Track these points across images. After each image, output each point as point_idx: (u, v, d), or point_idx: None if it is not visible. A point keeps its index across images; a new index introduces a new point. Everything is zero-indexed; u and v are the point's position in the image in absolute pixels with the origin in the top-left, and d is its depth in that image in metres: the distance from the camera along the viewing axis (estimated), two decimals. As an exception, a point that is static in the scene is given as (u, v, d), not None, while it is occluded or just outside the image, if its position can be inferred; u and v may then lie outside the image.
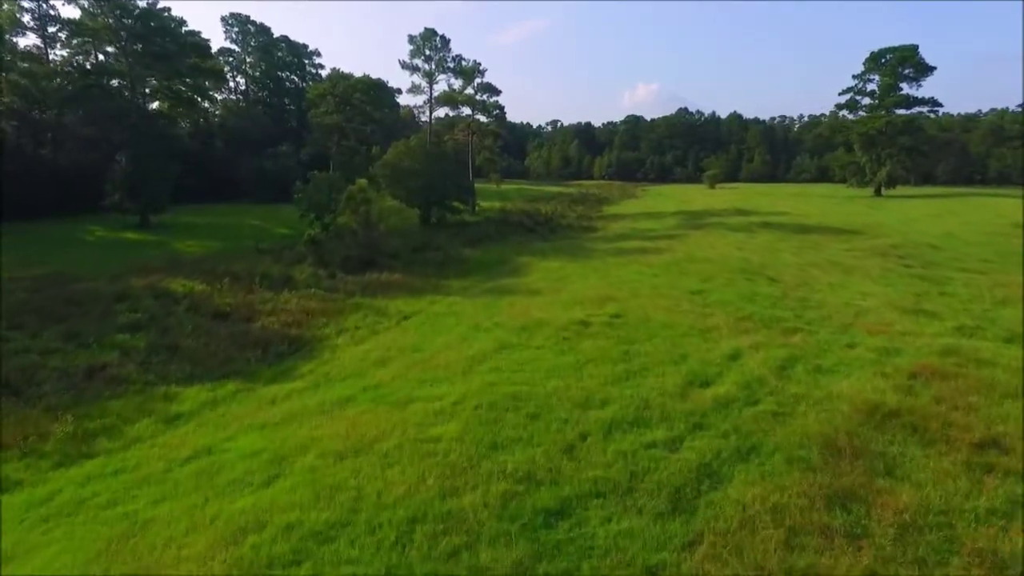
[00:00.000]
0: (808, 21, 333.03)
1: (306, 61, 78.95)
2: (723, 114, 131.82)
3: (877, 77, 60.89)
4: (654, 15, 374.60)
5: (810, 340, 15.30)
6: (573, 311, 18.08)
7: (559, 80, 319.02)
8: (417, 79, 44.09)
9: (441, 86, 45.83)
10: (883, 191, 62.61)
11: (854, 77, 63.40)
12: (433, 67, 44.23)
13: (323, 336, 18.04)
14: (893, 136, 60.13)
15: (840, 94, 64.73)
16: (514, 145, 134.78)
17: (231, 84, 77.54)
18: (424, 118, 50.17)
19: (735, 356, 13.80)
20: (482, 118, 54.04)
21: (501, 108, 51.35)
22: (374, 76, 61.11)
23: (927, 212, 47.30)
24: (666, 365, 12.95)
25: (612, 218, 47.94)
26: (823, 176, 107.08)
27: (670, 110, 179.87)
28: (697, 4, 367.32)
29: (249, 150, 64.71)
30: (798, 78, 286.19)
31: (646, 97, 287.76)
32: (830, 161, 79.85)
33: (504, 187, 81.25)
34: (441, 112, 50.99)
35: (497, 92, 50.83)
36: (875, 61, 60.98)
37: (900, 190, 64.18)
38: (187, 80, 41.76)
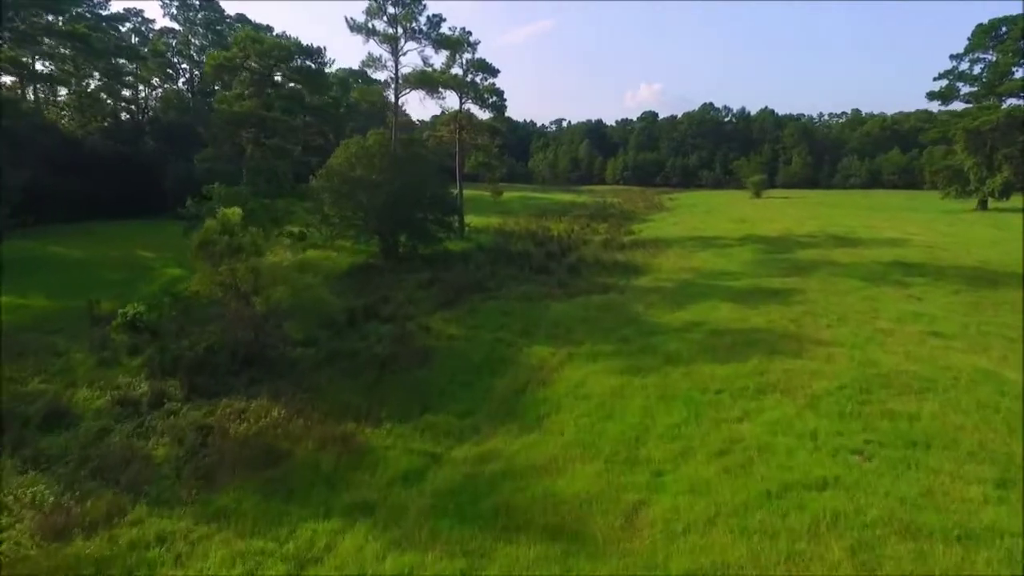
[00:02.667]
0: (813, 19, 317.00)
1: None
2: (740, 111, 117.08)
3: (991, 56, 47.16)
4: (656, 14, 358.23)
5: None
6: None
7: (561, 81, 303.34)
8: (376, 47, 30.52)
9: (414, 60, 32.34)
10: (988, 204, 49.01)
11: (952, 58, 49.69)
12: (400, 31, 30.62)
13: None
14: (1008, 132, 46.41)
15: (935, 79, 51.00)
16: (516, 146, 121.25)
17: (179, 70, 64.34)
18: (408, 111, 36.70)
19: None
20: (475, 110, 40.61)
21: (500, 94, 37.75)
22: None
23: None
24: None
25: (653, 246, 34.30)
26: (875, 181, 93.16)
27: (674, 111, 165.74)
28: (701, 4, 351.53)
29: (189, 151, 51.44)
30: (811, 76, 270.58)
31: (648, 97, 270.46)
32: (926, 163, 65.66)
33: (504, 195, 67.61)
34: (437, 109, 37.82)
35: (494, 72, 37.25)
36: (984, 36, 47.25)
37: (999, 202, 50.40)
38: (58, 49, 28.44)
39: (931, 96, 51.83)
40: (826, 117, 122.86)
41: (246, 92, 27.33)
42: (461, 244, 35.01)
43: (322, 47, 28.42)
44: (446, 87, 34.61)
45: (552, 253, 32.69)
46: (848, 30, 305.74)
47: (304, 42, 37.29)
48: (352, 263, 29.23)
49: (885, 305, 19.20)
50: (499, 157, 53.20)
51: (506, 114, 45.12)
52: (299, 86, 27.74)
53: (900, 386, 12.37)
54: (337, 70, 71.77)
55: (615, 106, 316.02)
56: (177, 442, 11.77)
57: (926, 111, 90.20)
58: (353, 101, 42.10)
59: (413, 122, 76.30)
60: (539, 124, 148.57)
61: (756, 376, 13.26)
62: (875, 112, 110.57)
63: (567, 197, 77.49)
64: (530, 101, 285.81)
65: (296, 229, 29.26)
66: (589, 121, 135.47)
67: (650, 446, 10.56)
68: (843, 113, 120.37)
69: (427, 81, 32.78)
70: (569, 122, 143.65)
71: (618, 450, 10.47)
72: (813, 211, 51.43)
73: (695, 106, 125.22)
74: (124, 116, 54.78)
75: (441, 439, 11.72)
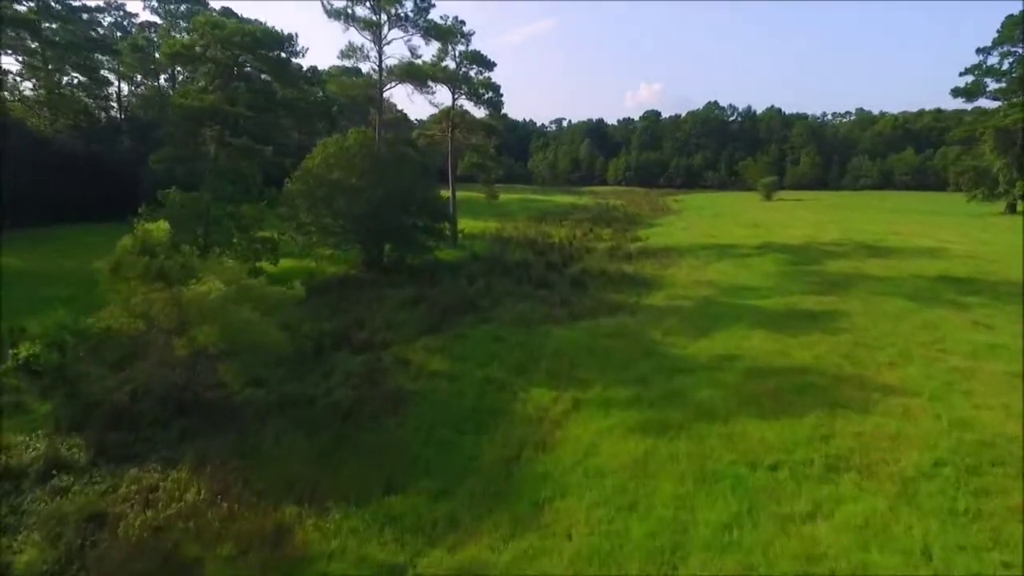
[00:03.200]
0: (811, 19, 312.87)
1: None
2: (746, 110, 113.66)
3: (1022, 49, 44.24)
4: (656, 14, 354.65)
5: None
6: None
7: (561, 81, 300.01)
8: (356, 35, 27.53)
9: (400, 51, 29.41)
10: (1017, 207, 46.12)
11: (979, 52, 46.79)
12: (383, 17, 27.64)
13: None
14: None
15: (961, 74, 48.05)
16: (515, 146, 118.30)
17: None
18: (403, 109, 33.59)
19: None
20: (470, 106, 37.65)
21: (496, 89, 34.73)
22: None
23: None
24: None
25: (664, 256, 31.32)
26: (887, 182, 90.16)
27: (674, 111, 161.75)
28: (702, 3, 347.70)
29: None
30: (811, 75, 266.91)
31: (649, 97, 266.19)
32: (940, 163, 62.72)
33: (502, 197, 64.64)
34: (431, 107, 34.78)
35: (489, 65, 34.27)
36: (1015, 28, 44.35)
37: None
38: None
39: (956, 93, 48.80)
40: (829, 116, 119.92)
41: (210, 86, 24.38)
42: (453, 253, 32.05)
43: (293, 34, 25.20)
44: (436, 81, 31.62)
45: (553, 263, 29.73)
46: (848, 30, 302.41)
47: (295, 37, 34.30)
48: (331, 275, 26.29)
49: (950, 334, 16.21)
50: (495, 157, 50.22)
51: (503, 112, 42.24)
52: (269, 79, 24.93)
53: (1017, 461, 9.38)
54: (331, 67, 68.88)
55: (615, 106, 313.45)
56: (51, 542, 8.78)
57: (938, 109, 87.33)
58: (333, 95, 38.94)
59: (410, 120, 73.38)
60: (539, 123, 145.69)
61: (819, 443, 10.26)
62: (877, 111, 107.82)
63: (568, 199, 74.56)
64: (530, 101, 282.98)
65: (271, 234, 26.38)
66: (590, 120, 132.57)
67: (693, 564, 7.55)
68: (847, 112, 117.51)
69: (414, 74, 29.76)
70: (569, 121, 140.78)
71: (649, 573, 7.46)
72: (830, 215, 48.46)
73: (696, 106, 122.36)
74: (100, 114, 51.67)
75: (406, 538, 8.70)
